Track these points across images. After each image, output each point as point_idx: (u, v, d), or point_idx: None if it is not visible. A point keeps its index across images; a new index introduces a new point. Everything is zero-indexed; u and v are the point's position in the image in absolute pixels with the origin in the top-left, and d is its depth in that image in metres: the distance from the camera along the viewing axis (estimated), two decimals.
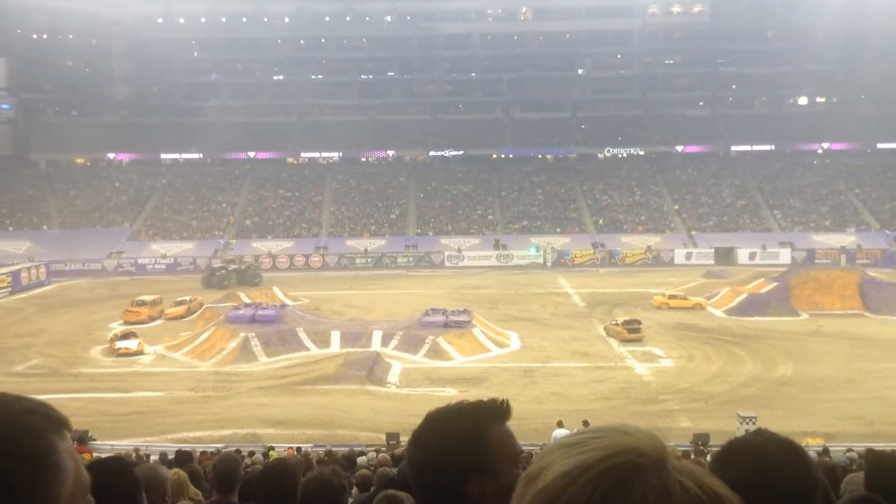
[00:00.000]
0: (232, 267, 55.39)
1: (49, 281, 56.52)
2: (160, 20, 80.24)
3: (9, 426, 1.03)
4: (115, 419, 25.05)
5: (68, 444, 1.09)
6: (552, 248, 63.69)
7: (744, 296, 43.33)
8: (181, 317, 42.95)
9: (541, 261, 62.52)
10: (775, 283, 44.17)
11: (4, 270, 54.23)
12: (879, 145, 74.61)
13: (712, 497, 0.95)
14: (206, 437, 23.37)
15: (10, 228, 67.33)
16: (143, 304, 43.27)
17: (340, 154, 78.75)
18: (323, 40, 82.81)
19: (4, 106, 77.26)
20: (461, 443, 1.89)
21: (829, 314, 41.02)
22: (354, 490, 7.77)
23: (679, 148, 77.27)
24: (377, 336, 35.15)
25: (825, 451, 16.95)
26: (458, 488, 1.88)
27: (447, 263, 62.91)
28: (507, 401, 1.98)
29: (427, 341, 34.14)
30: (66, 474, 1.06)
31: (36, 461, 1.03)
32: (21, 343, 37.77)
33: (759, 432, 1.92)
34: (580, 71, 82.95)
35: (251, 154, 77.94)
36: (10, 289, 52.23)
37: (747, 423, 20.47)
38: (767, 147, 76.08)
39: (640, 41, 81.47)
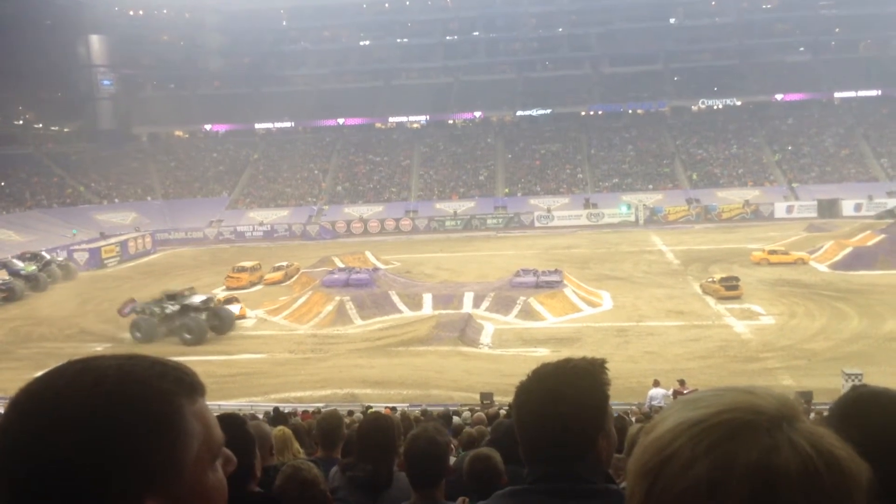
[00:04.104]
0: (26, 268, 41.68)
1: (154, 250, 59.17)
2: None
3: (135, 389, 1.06)
4: (221, 380, 26.15)
5: (198, 408, 1.12)
6: (644, 205, 62.40)
7: (849, 249, 41.49)
8: (279, 282, 44.29)
9: (632, 219, 61.41)
10: (883, 236, 42.09)
11: (113, 240, 57.13)
12: None
13: (826, 457, 0.91)
14: (306, 398, 24.20)
15: (117, 200, 70.56)
16: (244, 270, 44.82)
17: (427, 117, 78.88)
18: (407, 2, 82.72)
19: (106, 82, 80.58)
20: (599, 398, 1.96)
21: None
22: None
23: (778, 97, 74.03)
24: (469, 298, 35.38)
25: None
26: (590, 443, 1.96)
27: (537, 224, 62.53)
28: (605, 360, 2.04)
29: (518, 302, 34.17)
30: (191, 437, 1.08)
31: (159, 424, 1.05)
32: None
33: (877, 386, 1.85)
34: (672, 20, 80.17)
35: (340, 121, 79.02)
36: (118, 258, 54.96)
37: (853, 380, 19.77)
38: (873, 92, 72.00)
39: None
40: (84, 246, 55.06)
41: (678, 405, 1.01)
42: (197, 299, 33.91)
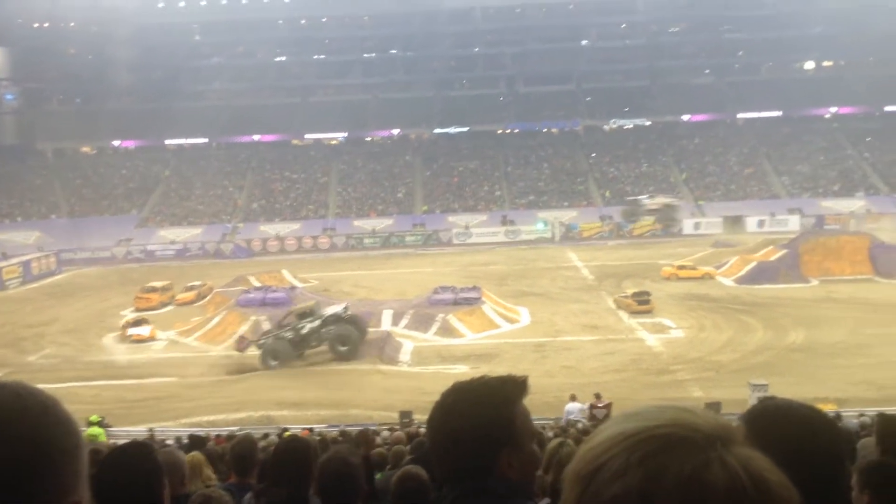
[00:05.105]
0: None
1: (59, 270, 56.80)
2: (161, 5, 79.95)
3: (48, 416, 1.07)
4: (130, 405, 25.27)
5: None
6: (560, 222, 63.53)
7: (753, 264, 43.20)
8: (192, 302, 43.17)
9: (549, 235, 62.40)
10: (785, 251, 44.01)
11: (15, 261, 54.56)
12: (887, 108, 73.85)
13: (756, 479, 0.93)
14: (220, 421, 23.54)
15: (19, 219, 67.58)
16: (154, 290, 43.52)
17: (345, 134, 78.54)
18: (324, 20, 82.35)
19: (8, 96, 77.40)
20: (495, 415, 1.97)
21: (840, 280, 40.88)
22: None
23: (685, 117, 76.75)
24: (387, 315, 35.23)
25: (837, 417, 16.95)
26: (491, 459, 1.95)
27: (455, 241, 62.87)
28: (527, 377, 2.04)
29: (437, 319, 34.21)
30: (85, 461, 1.11)
31: (73, 425, 1.10)
32: (34, 332, 38.04)
33: (783, 398, 1.91)
34: (585, 42, 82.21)
35: (256, 137, 77.82)
36: (21, 279, 52.55)
37: (759, 391, 20.49)
38: (774, 113, 75.43)
39: (645, 9, 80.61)
40: None
41: (618, 418, 1.02)
42: (336, 309, 31.55)
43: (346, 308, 31.82)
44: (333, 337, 30.16)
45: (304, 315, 31.22)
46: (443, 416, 1.96)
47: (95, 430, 16.86)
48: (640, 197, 54.27)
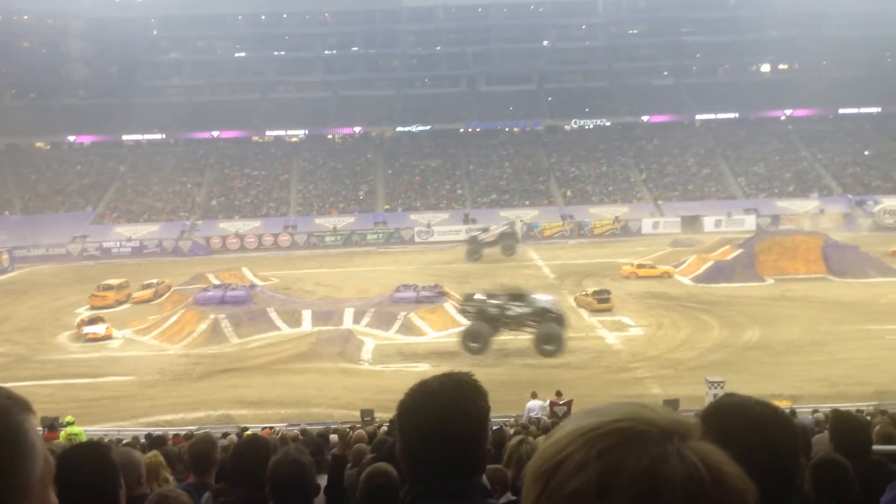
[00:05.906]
0: None
1: (12, 267, 55.53)
2: None
3: None
4: (85, 405, 24.81)
5: (35, 425, 1.11)
6: (521, 220, 63.77)
7: (710, 263, 43.86)
8: (149, 300, 42.56)
9: None
10: (741, 250, 44.75)
11: None
12: (841, 111, 75.64)
13: (713, 471, 0.95)
14: (178, 420, 23.27)
15: None
16: (110, 288, 42.80)
17: (306, 131, 77.93)
18: (284, 15, 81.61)
19: None
20: (487, 410, 1.98)
21: (794, 279, 41.70)
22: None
23: (645, 118, 77.55)
24: (349, 313, 35.12)
25: (792, 413, 17.30)
26: (484, 454, 1.96)
27: (417, 239, 62.81)
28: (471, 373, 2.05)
29: (399, 317, 34.19)
30: (38, 454, 1.07)
31: (8, 440, 1.05)
32: None
33: (741, 395, 1.94)
34: (545, 42, 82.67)
35: (215, 133, 76.81)
36: None
37: (716, 388, 20.82)
38: (731, 115, 76.61)
39: (605, 11, 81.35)
40: None
41: (577, 415, 1.04)
42: (548, 302, 29.44)
43: (556, 303, 30.39)
44: (541, 334, 28.52)
45: (515, 297, 29.67)
46: (444, 417, 1.88)
47: (75, 428, 16.57)
48: (476, 234, 55.43)
